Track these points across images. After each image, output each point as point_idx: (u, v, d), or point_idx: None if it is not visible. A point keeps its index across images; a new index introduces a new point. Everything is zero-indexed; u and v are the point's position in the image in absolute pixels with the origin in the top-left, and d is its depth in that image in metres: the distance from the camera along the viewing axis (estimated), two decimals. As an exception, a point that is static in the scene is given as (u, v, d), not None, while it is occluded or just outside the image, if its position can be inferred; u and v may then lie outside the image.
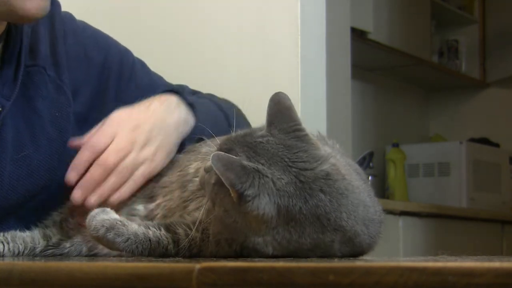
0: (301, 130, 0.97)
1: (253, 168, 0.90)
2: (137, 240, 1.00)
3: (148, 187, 1.23)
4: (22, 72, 1.33)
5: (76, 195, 1.21)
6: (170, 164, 1.25)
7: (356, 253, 0.99)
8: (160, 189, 1.20)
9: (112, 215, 1.03)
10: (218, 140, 1.07)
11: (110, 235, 1.00)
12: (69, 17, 1.48)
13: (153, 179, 1.24)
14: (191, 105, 1.36)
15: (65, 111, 1.38)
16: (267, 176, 0.90)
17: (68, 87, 1.39)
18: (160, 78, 1.56)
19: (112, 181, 1.22)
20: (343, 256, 0.97)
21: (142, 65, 1.54)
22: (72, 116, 1.39)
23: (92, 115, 1.43)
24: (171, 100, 1.34)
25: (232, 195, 0.90)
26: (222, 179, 0.89)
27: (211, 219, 0.98)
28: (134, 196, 1.23)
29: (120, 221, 1.02)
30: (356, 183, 0.97)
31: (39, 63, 1.37)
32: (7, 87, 1.32)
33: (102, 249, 1.15)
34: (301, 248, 0.93)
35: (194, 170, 1.17)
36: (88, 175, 1.22)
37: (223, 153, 0.91)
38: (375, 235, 1.01)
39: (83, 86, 1.43)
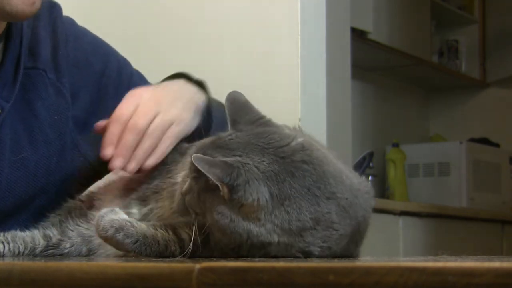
0: (264, 117, 1.00)
1: (233, 160, 0.92)
2: (146, 242, 0.99)
3: (142, 188, 1.22)
4: (21, 74, 1.32)
5: (116, 163, 1.19)
6: (161, 167, 1.23)
7: (355, 228, 1.00)
8: (152, 193, 1.19)
9: (121, 215, 1.02)
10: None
11: (120, 236, 0.99)
12: (70, 21, 1.47)
13: (146, 181, 1.23)
14: (199, 84, 1.38)
15: (64, 114, 1.38)
16: (248, 164, 0.92)
17: (68, 91, 1.39)
18: None
19: (146, 144, 1.20)
20: (345, 232, 0.97)
21: (140, 77, 1.54)
22: (70, 119, 1.38)
23: (91, 120, 1.43)
24: (179, 80, 1.37)
25: (222, 192, 0.91)
26: (209, 176, 0.90)
27: (206, 230, 0.97)
28: (129, 197, 1.22)
29: (130, 222, 1.01)
30: (332, 157, 1.00)
31: (39, 66, 1.36)
32: (7, 89, 1.31)
33: (103, 252, 1.15)
34: (304, 228, 0.93)
35: (181, 179, 1.16)
36: (122, 142, 1.20)
37: (201, 155, 0.92)
38: (367, 207, 1.03)
39: (82, 90, 1.43)
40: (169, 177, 1.19)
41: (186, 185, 0.99)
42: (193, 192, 0.96)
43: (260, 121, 0.99)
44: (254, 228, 0.92)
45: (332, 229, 0.96)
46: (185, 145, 1.25)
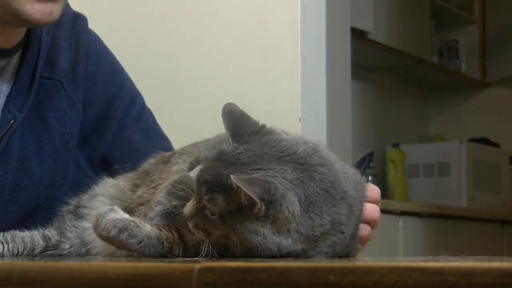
0: (265, 126, 0.98)
1: (261, 175, 0.89)
2: (150, 243, 0.97)
3: (126, 198, 1.19)
4: (36, 84, 1.31)
5: None
6: (144, 175, 1.21)
7: (355, 223, 1.00)
8: (137, 205, 1.17)
9: (122, 214, 0.99)
10: (188, 157, 1.06)
11: (123, 236, 0.96)
12: (95, 37, 1.47)
13: (130, 188, 1.21)
14: None
15: (75, 127, 1.36)
16: (276, 176, 0.90)
17: (81, 104, 1.38)
18: (162, 131, 1.54)
19: None
20: (349, 233, 0.98)
21: (150, 113, 1.53)
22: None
23: (93, 138, 1.42)
24: None
25: (258, 209, 0.88)
26: (251, 195, 0.86)
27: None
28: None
29: (133, 222, 0.98)
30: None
31: (55, 77, 1.35)
32: (20, 98, 1.30)
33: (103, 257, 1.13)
34: (324, 232, 0.93)
35: (157, 199, 1.11)
36: None
37: (235, 176, 0.88)
38: (364, 200, 1.04)
39: (91, 107, 1.42)
40: (152, 187, 1.16)
41: (189, 208, 0.94)
42: (208, 215, 0.91)
43: (263, 130, 0.96)
44: (283, 240, 0.90)
45: (340, 232, 0.96)
46: (167, 153, 1.23)
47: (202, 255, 0.94)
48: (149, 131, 1.48)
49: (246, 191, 0.86)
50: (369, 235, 1.12)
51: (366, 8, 3.48)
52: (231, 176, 0.87)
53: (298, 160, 0.92)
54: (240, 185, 0.86)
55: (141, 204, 1.15)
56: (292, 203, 0.89)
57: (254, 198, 0.86)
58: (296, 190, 0.90)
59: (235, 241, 0.91)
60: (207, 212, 0.91)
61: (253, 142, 0.94)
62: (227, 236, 0.92)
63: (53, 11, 1.22)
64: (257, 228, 0.90)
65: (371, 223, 1.11)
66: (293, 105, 1.95)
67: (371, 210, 1.10)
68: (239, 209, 0.89)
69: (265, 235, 0.90)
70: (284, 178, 0.90)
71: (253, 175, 0.89)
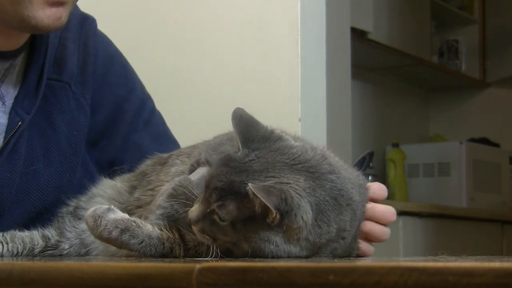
0: (274, 131, 0.97)
1: (275, 183, 0.89)
2: (151, 243, 0.96)
3: (124, 200, 1.19)
4: (44, 85, 1.30)
5: None
6: (141, 177, 1.20)
7: (356, 226, 1.01)
8: (135, 207, 1.15)
9: (121, 214, 0.98)
10: (187, 158, 1.05)
11: (125, 237, 0.95)
12: (105, 38, 1.46)
13: (128, 190, 1.20)
14: None
15: (82, 131, 1.36)
16: (290, 183, 0.89)
17: (89, 107, 1.37)
18: (171, 134, 1.53)
19: None
20: (350, 238, 0.98)
21: (160, 116, 1.52)
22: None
23: (102, 141, 1.42)
24: None
25: (271, 219, 0.88)
26: (268, 204, 0.86)
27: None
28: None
29: (134, 222, 0.97)
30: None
31: (63, 79, 1.34)
32: (28, 100, 1.29)
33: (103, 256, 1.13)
34: (330, 239, 0.93)
35: (158, 203, 1.09)
36: None
37: (254, 184, 0.87)
38: (366, 202, 1.04)
39: (100, 110, 1.41)
40: (150, 189, 1.15)
41: (195, 213, 0.93)
42: (216, 221, 0.91)
43: (272, 136, 0.95)
44: (293, 248, 0.91)
45: (342, 238, 0.96)
46: (164, 154, 1.22)
47: (211, 256, 0.94)
48: (158, 134, 1.48)
49: (263, 200, 0.86)
50: (382, 237, 1.11)
51: (366, 8, 3.48)
52: (250, 184, 0.86)
53: (310, 169, 0.92)
54: (257, 194, 0.85)
55: (139, 207, 1.14)
56: (306, 213, 0.89)
57: (270, 207, 0.86)
58: (309, 199, 0.89)
59: (245, 249, 0.91)
60: (216, 218, 0.91)
61: (263, 149, 0.93)
62: (236, 243, 0.91)
63: (62, 15, 1.22)
64: (270, 237, 0.89)
65: (387, 224, 1.11)
66: (293, 105, 1.95)
67: (390, 213, 1.10)
68: (251, 217, 0.89)
69: (277, 243, 0.90)
70: (298, 186, 0.89)
71: (267, 183, 0.89)
